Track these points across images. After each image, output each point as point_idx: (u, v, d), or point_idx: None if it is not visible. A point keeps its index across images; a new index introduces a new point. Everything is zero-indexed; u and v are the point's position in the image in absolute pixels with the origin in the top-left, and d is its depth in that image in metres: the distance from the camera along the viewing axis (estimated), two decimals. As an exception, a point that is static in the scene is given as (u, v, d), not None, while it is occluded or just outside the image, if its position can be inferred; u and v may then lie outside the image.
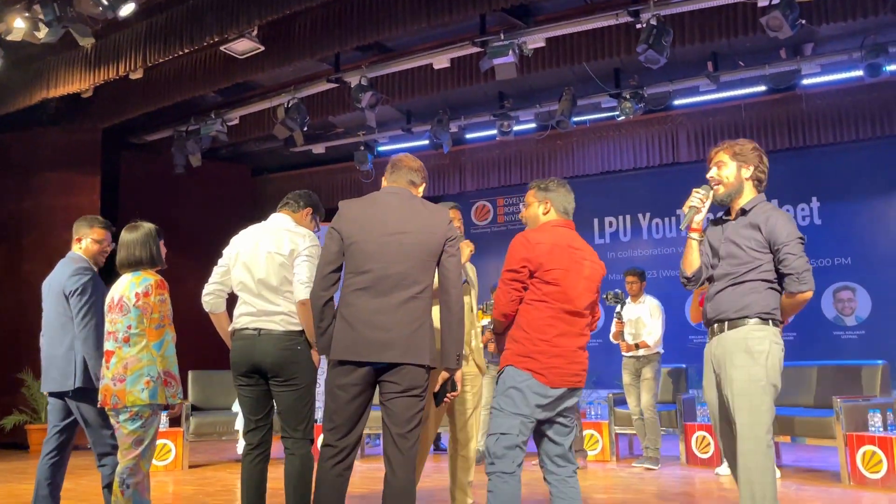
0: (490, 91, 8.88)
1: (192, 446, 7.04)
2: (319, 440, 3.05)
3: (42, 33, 6.05)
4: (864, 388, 5.87)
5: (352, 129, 9.86)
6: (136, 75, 7.58)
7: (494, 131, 8.98)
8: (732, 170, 3.14)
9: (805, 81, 7.87)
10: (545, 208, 3.21)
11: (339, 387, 2.86)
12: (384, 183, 3.15)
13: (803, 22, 6.02)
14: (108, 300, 3.47)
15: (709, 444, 6.43)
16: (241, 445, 6.83)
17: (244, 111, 8.88)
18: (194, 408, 6.92)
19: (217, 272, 3.62)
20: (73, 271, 3.75)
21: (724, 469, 5.85)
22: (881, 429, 5.27)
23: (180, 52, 7.02)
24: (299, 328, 3.42)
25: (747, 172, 3.13)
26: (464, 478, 3.89)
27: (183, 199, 9.97)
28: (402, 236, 2.88)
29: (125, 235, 3.48)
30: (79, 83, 7.50)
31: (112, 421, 3.39)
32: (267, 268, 3.45)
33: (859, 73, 7.19)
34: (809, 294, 2.97)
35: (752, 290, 3.02)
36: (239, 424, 6.84)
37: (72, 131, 9.09)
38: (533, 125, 9.29)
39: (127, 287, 3.39)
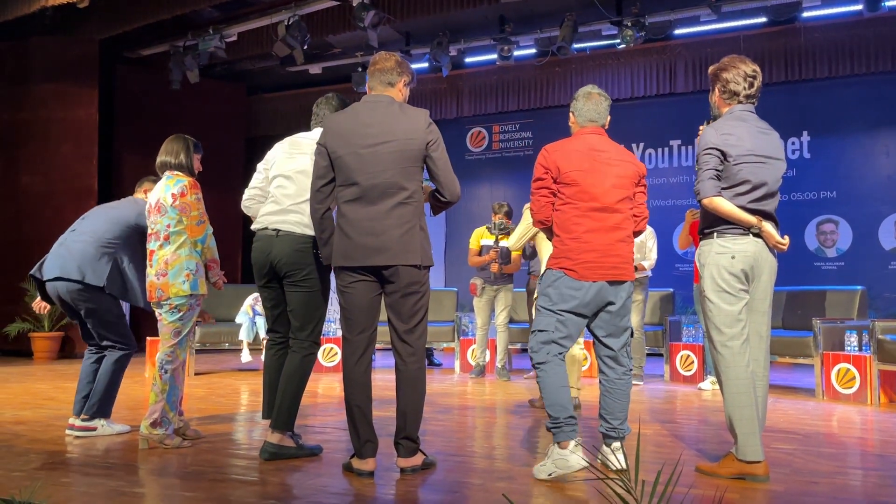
0: (491, 15, 8.84)
1: (196, 356, 7.29)
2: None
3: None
4: (843, 312, 6.19)
5: (349, 50, 9.80)
6: (135, -15, 7.48)
7: (494, 56, 8.99)
8: (713, 93, 3.29)
9: (805, 14, 7.94)
10: (572, 119, 3.40)
11: (346, 286, 3.09)
12: (367, 91, 3.23)
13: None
14: (147, 206, 3.70)
15: (692, 362, 6.77)
16: (245, 355, 7.09)
17: (242, 28, 8.80)
18: (198, 318, 7.12)
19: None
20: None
21: (706, 384, 6.20)
22: (856, 348, 5.60)
23: (184, -39, 6.92)
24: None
25: (715, 94, 3.27)
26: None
27: (178, 115, 9.93)
28: (384, 146, 3.01)
29: (170, 142, 3.71)
30: (78, -9, 7.37)
31: (157, 313, 3.62)
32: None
33: (859, 6, 7.27)
34: (705, 201, 3.07)
35: (703, 208, 3.16)
36: (243, 335, 7.08)
37: (67, 42, 8.97)
38: (533, 51, 9.30)
39: (163, 189, 3.62)
